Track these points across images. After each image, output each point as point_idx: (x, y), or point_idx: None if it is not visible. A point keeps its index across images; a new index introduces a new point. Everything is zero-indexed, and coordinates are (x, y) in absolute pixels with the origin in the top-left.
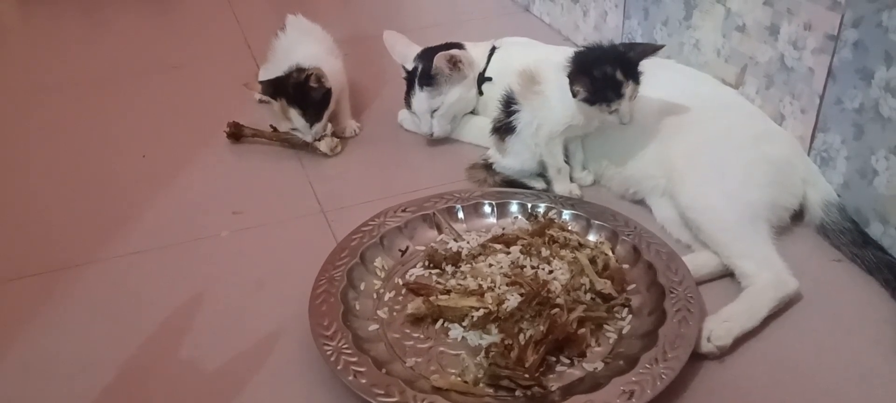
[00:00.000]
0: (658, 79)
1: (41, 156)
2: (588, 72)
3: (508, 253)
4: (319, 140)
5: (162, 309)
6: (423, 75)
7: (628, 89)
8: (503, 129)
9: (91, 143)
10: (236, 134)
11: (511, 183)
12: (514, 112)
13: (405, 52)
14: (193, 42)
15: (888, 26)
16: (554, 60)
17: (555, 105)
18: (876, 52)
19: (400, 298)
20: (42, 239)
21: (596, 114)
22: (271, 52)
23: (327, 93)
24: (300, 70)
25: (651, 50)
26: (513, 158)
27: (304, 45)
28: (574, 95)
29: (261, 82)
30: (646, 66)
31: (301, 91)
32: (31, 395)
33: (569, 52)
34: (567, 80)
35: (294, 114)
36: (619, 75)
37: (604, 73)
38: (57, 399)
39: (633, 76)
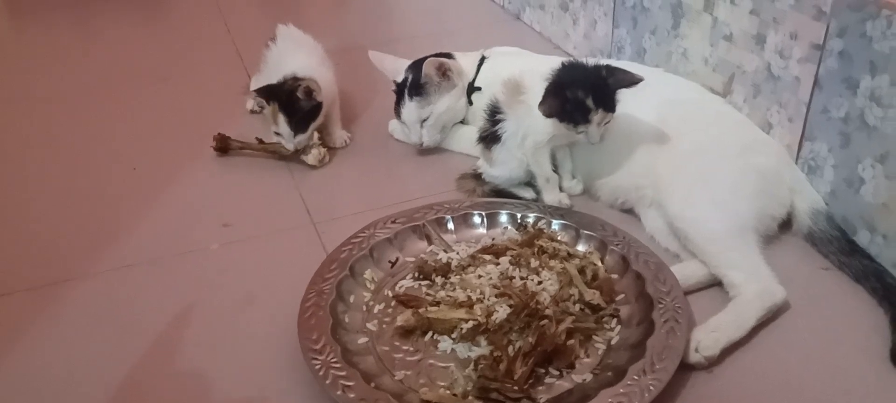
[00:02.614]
0: (646, 89)
1: (30, 169)
2: (561, 92)
3: (498, 263)
4: (306, 152)
5: (152, 323)
6: (413, 85)
7: (596, 116)
8: (489, 138)
9: (80, 156)
10: (223, 147)
11: (500, 192)
12: (499, 121)
13: (394, 67)
14: (185, 53)
15: (872, 36)
16: (539, 70)
17: (538, 115)
18: (861, 61)
19: (389, 310)
20: (31, 253)
21: (565, 130)
22: (263, 62)
23: (317, 107)
24: (296, 79)
25: (628, 82)
26: (500, 167)
27: (295, 56)
28: (541, 111)
29: (256, 90)
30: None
31: (291, 100)
32: None
33: (557, 62)
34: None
35: (282, 120)
36: (589, 102)
37: (575, 97)
38: None
39: (606, 104)
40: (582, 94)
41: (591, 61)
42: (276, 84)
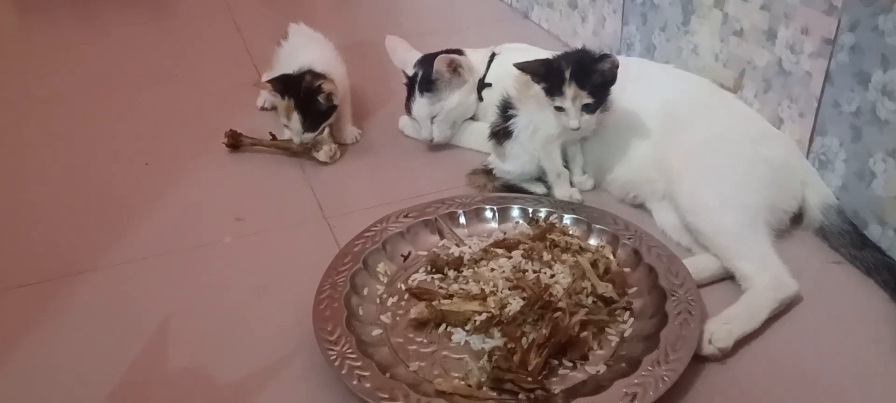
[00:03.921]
0: (656, 84)
1: (41, 165)
2: (547, 59)
3: (510, 257)
4: (317, 148)
5: (165, 316)
6: (424, 81)
7: (570, 90)
8: (501, 134)
9: (91, 151)
10: (235, 143)
11: (511, 188)
12: (511, 116)
13: (406, 58)
14: (194, 50)
15: (884, 30)
16: None
17: (548, 109)
18: (872, 55)
19: (403, 303)
20: (42, 246)
21: (553, 111)
22: (274, 60)
23: (332, 109)
24: (313, 74)
25: (600, 57)
26: (512, 163)
27: (307, 52)
28: (516, 65)
29: (270, 80)
30: (644, 70)
31: (310, 98)
32: None
33: None
34: None
35: (295, 117)
36: (566, 73)
37: (557, 66)
38: None
39: (581, 81)
40: (563, 64)
41: (595, 50)
42: (293, 76)
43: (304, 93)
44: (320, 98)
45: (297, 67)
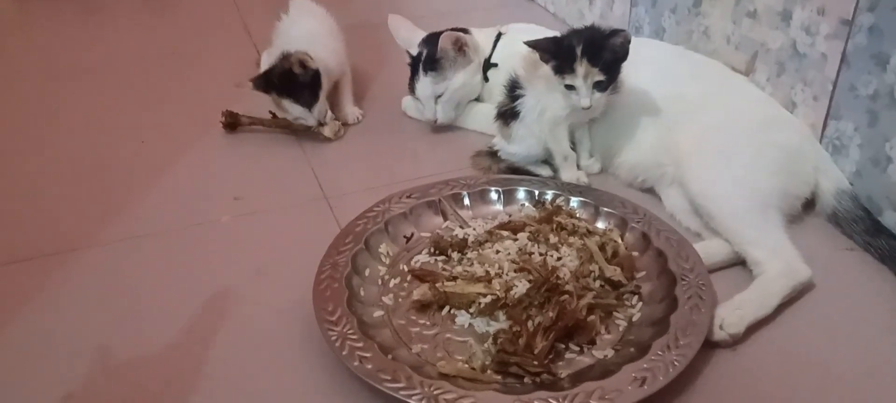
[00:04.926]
0: (666, 66)
1: (40, 143)
2: (557, 37)
3: (516, 239)
4: (323, 124)
5: (162, 294)
6: (428, 60)
7: (581, 67)
8: (508, 114)
9: (89, 131)
10: (232, 123)
11: (516, 170)
12: (518, 96)
13: (410, 37)
14: (193, 30)
15: None
16: None
17: (556, 89)
18: (892, 36)
19: (405, 285)
20: (41, 223)
21: (562, 91)
22: (274, 35)
23: (316, 75)
24: (285, 57)
25: (611, 32)
26: (518, 144)
27: (304, 24)
28: (527, 43)
29: (251, 80)
30: (654, 52)
31: (288, 79)
32: (27, 378)
33: None
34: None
35: (288, 104)
36: (578, 50)
37: (568, 43)
38: (54, 382)
39: (593, 58)
40: (574, 41)
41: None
42: (267, 71)
43: (279, 79)
44: (295, 71)
45: (280, 52)
